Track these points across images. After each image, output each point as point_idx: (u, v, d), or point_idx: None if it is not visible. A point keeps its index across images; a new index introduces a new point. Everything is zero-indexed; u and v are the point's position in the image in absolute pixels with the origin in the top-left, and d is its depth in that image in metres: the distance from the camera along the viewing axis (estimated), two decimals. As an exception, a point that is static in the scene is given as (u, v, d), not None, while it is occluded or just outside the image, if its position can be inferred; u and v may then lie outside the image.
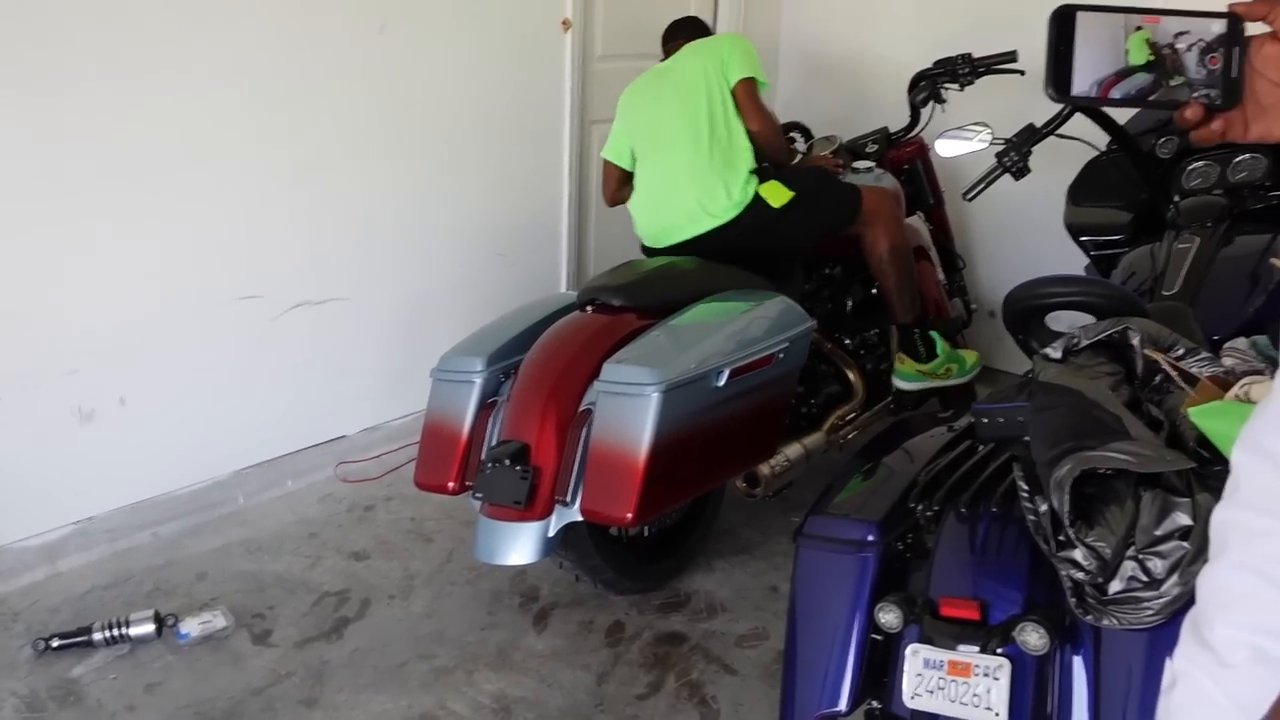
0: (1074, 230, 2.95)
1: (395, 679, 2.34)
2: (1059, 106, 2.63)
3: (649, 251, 3.05)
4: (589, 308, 2.56)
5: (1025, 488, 1.69)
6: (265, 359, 3.02)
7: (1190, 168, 2.72)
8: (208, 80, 2.72)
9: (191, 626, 2.43)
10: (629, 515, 2.19)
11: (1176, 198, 2.71)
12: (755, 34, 4.18)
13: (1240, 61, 0.90)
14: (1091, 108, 2.67)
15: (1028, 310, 2.13)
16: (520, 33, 3.44)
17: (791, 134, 3.33)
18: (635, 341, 2.36)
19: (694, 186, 2.87)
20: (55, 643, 2.37)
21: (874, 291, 3.14)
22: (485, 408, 2.46)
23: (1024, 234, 3.72)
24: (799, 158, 3.16)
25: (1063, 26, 0.92)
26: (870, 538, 1.86)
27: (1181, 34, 0.92)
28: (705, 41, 3.09)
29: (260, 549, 2.83)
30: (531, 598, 2.65)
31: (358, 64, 3.03)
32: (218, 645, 2.43)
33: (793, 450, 2.73)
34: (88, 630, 2.39)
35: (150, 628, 2.40)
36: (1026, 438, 1.79)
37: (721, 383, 2.31)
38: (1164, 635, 1.57)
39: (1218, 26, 0.90)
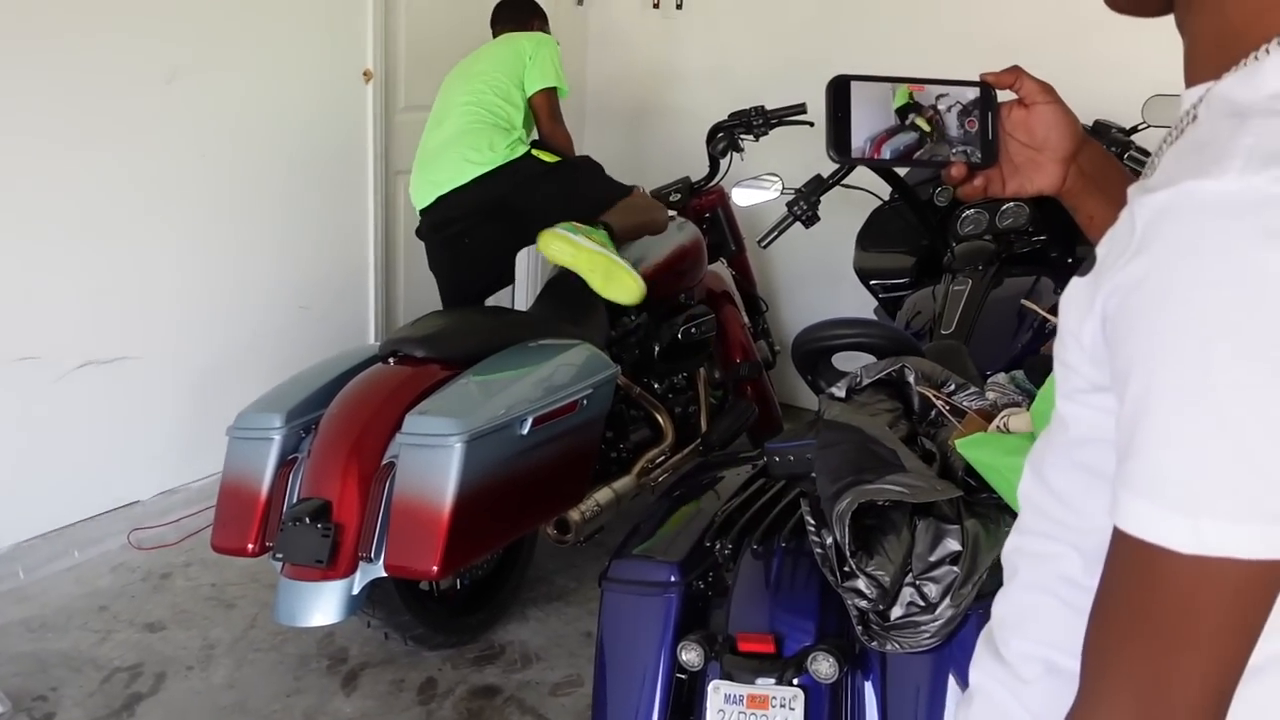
0: (862, 275, 3.13)
1: (192, 755, 2.23)
2: (843, 159, 2.81)
3: (423, 216, 3.24)
4: (391, 359, 2.53)
5: (812, 522, 1.76)
6: (48, 422, 2.84)
7: (963, 215, 2.92)
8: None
9: (-40, 715, 2.25)
10: (434, 569, 2.16)
11: (953, 243, 2.90)
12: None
13: (994, 124, 1.00)
14: (875, 162, 2.85)
15: (814, 352, 2.24)
16: (320, 82, 3.39)
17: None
18: (437, 393, 2.35)
19: (460, 143, 3.11)
20: None
21: (679, 337, 3.22)
22: (285, 465, 2.38)
23: (822, 278, 3.90)
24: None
25: (839, 94, 0.99)
26: (672, 578, 1.90)
27: (941, 97, 1.01)
28: (515, 37, 3.32)
29: (43, 626, 2.64)
30: (340, 659, 2.58)
31: (146, 114, 2.92)
32: (-9, 734, 2.25)
33: (603, 495, 2.75)
34: None
35: (-88, 719, 2.22)
36: (814, 475, 1.86)
37: (525, 430, 2.32)
38: (943, 655, 1.67)
39: (971, 93, 1.00)
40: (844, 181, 2.88)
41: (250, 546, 2.35)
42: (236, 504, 2.39)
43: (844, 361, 2.31)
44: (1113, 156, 1.06)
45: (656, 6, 4.26)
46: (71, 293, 2.84)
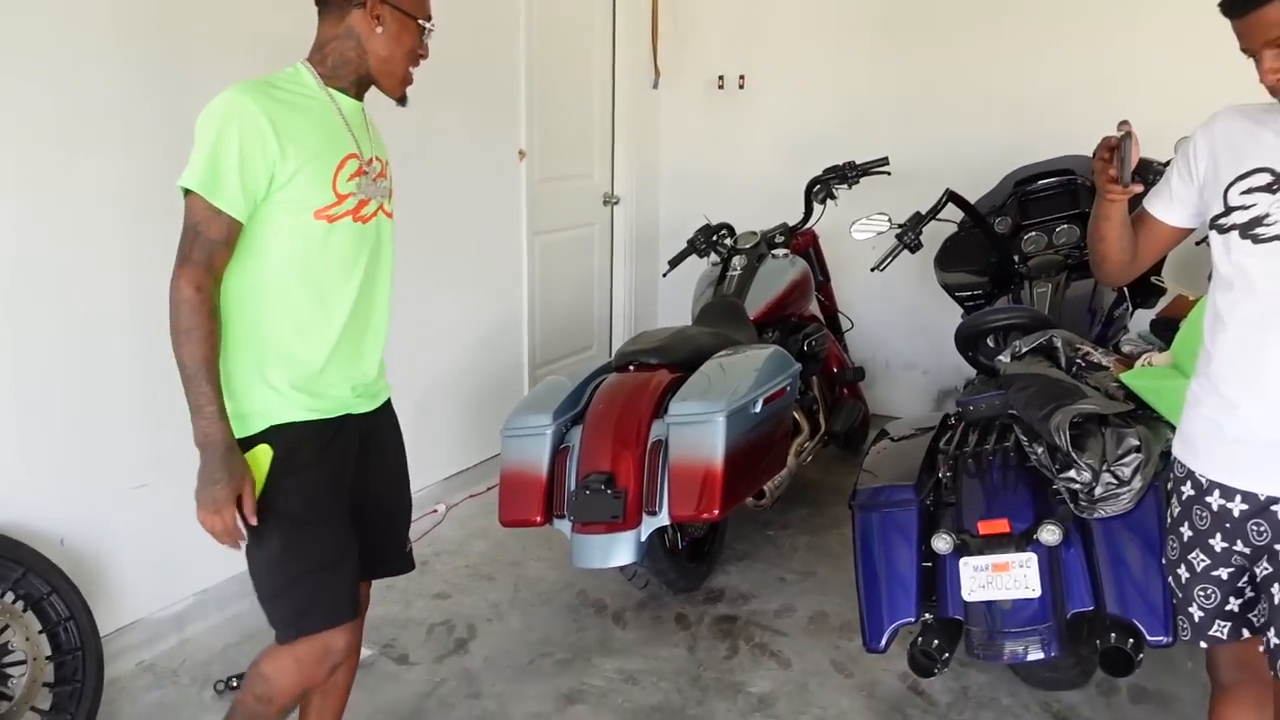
0: (948, 288, 3.95)
1: (531, 672, 2.89)
2: (936, 197, 3.66)
3: None
4: (631, 367, 3.25)
5: (1025, 439, 2.55)
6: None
7: (1026, 236, 3.79)
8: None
9: (344, 657, 2.86)
10: (715, 511, 2.87)
11: (1017, 258, 3.74)
12: (641, 158, 5.10)
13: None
14: (957, 197, 3.70)
15: (976, 333, 3.04)
16: (487, 160, 4.13)
17: (723, 230, 4.18)
18: (686, 385, 3.08)
19: None
20: (234, 682, 2.74)
21: (805, 350, 3.99)
22: (559, 453, 3.07)
23: (877, 302, 4.74)
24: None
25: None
26: (911, 496, 2.65)
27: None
28: None
29: (351, 602, 3.26)
30: (602, 607, 3.26)
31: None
32: (369, 669, 2.88)
33: (784, 469, 3.50)
34: (260, 670, 2.77)
35: (314, 661, 2.82)
36: (1011, 411, 2.63)
37: (758, 409, 3.06)
38: (1133, 518, 2.42)
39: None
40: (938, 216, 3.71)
41: (538, 518, 3.02)
42: (520, 486, 3.06)
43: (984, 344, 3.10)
44: None
45: (721, 87, 5.10)
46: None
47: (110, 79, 2.75)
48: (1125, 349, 2.81)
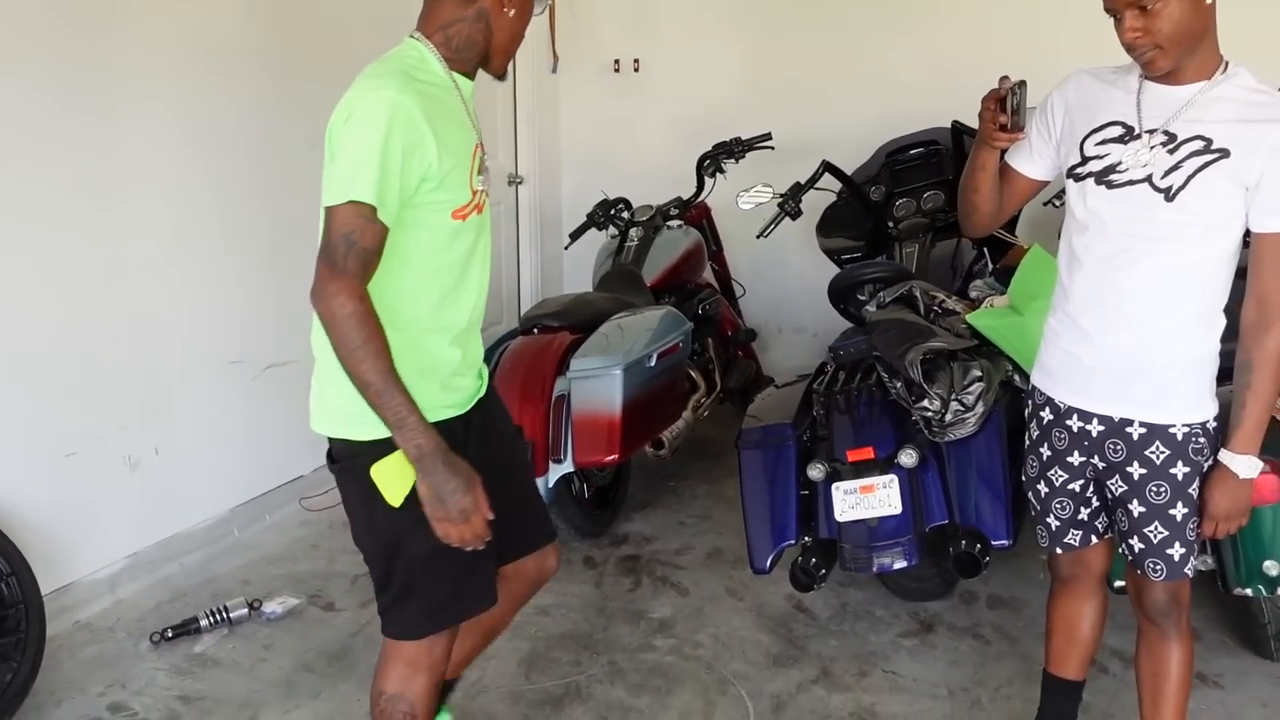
0: (829, 253, 4.26)
1: (450, 612, 3.12)
2: (812, 168, 3.97)
3: None
4: (535, 330, 3.50)
5: (886, 376, 2.86)
6: (247, 413, 3.66)
7: (898, 202, 4.12)
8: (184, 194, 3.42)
9: (274, 606, 3.08)
10: (615, 456, 3.15)
11: (891, 223, 4.07)
12: (543, 139, 5.34)
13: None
14: (833, 168, 4.02)
15: (847, 287, 3.35)
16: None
17: (620, 204, 4.44)
18: (586, 343, 3.34)
19: None
20: (169, 633, 2.93)
21: (699, 313, 4.27)
22: (470, 412, 3.31)
23: (763, 272, 5.05)
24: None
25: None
26: (789, 432, 2.94)
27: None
28: None
29: (279, 560, 3.46)
30: (515, 553, 3.50)
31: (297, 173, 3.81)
32: (299, 616, 3.09)
33: (681, 421, 3.78)
34: (194, 620, 2.97)
35: (245, 610, 3.03)
36: (875, 353, 2.94)
37: (653, 363, 3.34)
38: (978, 440, 2.75)
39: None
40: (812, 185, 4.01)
41: (453, 471, 3.25)
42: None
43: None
44: None
45: (617, 71, 5.36)
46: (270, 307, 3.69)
47: None
48: (973, 295, 3.15)
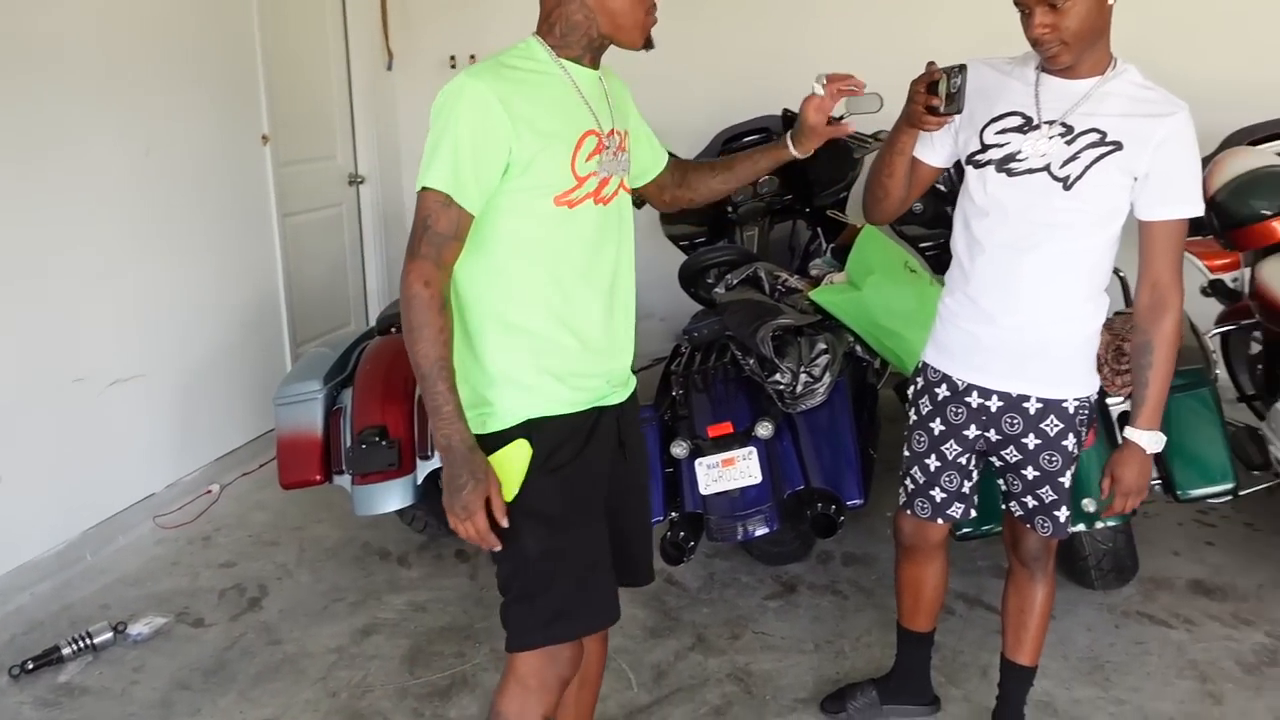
0: (673, 239, 4.41)
1: (326, 616, 3.12)
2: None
3: None
4: (393, 330, 3.50)
5: (739, 354, 3.01)
6: (94, 431, 3.53)
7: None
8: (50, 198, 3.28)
9: (140, 627, 3.00)
10: (483, 449, 3.18)
11: (730, 208, 4.25)
12: (382, 138, 5.30)
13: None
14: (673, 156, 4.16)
15: (695, 271, 3.50)
16: (228, 145, 4.23)
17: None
18: (447, 340, 3.36)
19: None
20: (30, 665, 2.82)
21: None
22: (333, 414, 3.30)
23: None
24: None
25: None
26: (650, 414, 3.06)
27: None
28: None
29: (139, 580, 3.36)
30: (386, 553, 3.51)
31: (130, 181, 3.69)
32: (168, 635, 3.02)
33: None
34: (55, 649, 2.87)
35: (109, 634, 2.94)
36: (727, 333, 3.09)
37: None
38: (826, 409, 2.93)
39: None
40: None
41: (317, 476, 3.24)
42: (298, 449, 3.27)
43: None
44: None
45: (454, 67, 5.36)
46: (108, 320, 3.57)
47: None
48: (813, 273, 3.34)
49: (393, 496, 3.19)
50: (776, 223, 4.19)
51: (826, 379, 2.92)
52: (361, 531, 3.63)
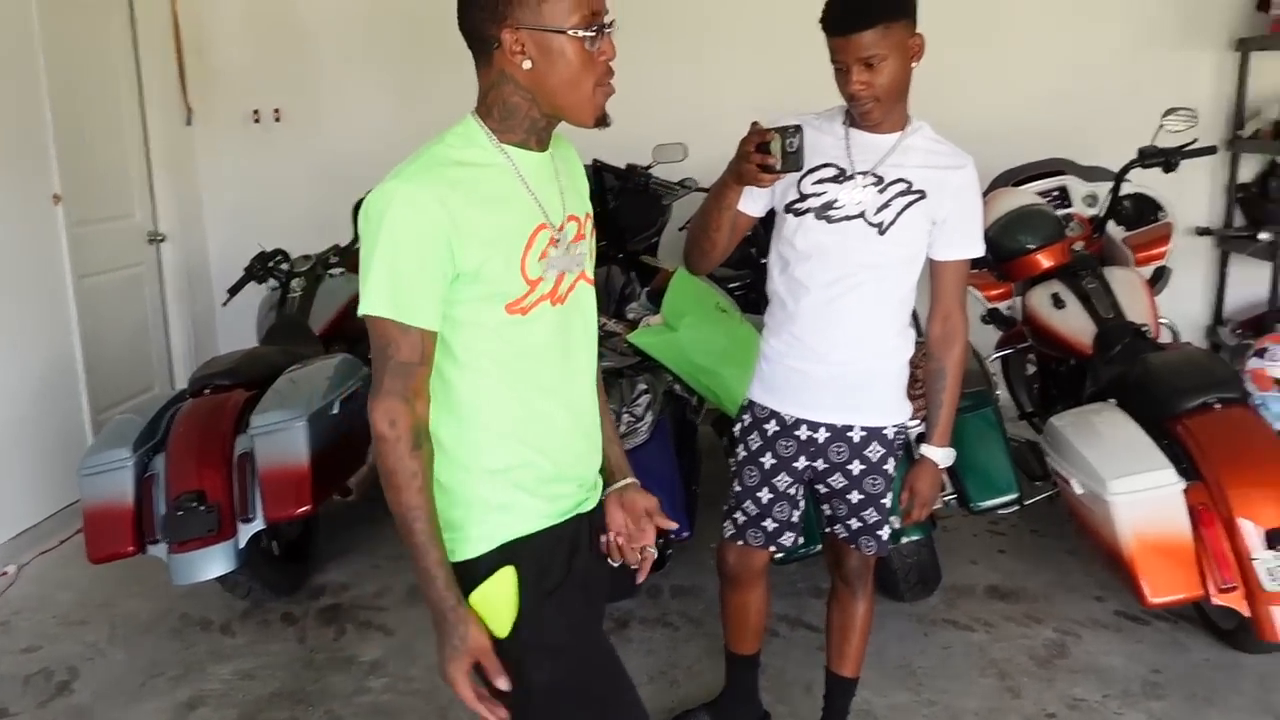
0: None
1: (146, 693, 2.99)
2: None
3: None
4: (206, 391, 3.41)
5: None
6: None
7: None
8: None
9: (-65, 723, 2.78)
10: (307, 507, 3.13)
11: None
12: (182, 194, 5.15)
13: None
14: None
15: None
16: (15, 208, 4.03)
17: (278, 255, 4.37)
18: (265, 398, 3.30)
19: None
20: None
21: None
22: (145, 481, 3.17)
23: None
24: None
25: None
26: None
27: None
28: None
29: (-72, 674, 3.12)
30: (208, 623, 3.38)
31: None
32: (-33, 729, 2.81)
33: (366, 465, 3.80)
34: None
35: (-100, 733, 2.71)
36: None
37: (336, 410, 3.36)
38: (651, 446, 3.04)
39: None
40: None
41: (130, 548, 3.12)
42: (107, 520, 3.13)
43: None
44: None
45: (258, 121, 5.27)
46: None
47: None
48: (630, 316, 3.47)
49: (214, 563, 3.10)
50: (598, 267, 4.30)
51: (648, 418, 3.03)
52: (179, 602, 3.49)
